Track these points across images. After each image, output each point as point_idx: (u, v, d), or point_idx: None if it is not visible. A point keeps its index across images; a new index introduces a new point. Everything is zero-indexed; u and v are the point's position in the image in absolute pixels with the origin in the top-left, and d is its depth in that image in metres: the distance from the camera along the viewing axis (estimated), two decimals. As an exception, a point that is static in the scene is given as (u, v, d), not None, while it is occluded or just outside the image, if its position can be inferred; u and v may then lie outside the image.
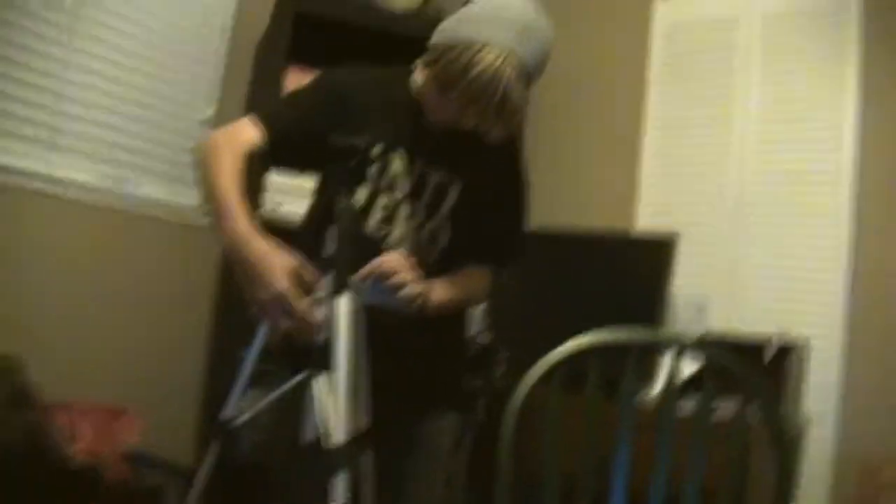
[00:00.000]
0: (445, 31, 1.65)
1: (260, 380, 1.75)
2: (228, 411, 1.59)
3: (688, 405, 1.94)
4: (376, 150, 1.77)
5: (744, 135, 3.10)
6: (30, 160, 2.90)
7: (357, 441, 1.52)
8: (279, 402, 1.58)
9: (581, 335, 1.77)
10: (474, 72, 1.56)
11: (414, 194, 1.79)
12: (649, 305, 2.61)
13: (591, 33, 3.62)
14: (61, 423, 2.51)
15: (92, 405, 2.73)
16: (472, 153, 1.75)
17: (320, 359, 1.44)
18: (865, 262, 2.80)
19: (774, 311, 2.88)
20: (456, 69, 1.58)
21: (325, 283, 1.50)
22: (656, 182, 3.31)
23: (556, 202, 3.48)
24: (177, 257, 3.34)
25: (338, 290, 1.46)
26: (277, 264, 1.50)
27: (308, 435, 1.54)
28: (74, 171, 3.02)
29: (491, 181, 1.83)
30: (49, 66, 2.95)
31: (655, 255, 2.69)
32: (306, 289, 1.49)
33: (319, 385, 1.44)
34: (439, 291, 1.75)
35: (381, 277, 1.62)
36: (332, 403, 1.42)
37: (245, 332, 1.76)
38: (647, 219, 3.29)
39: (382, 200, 1.78)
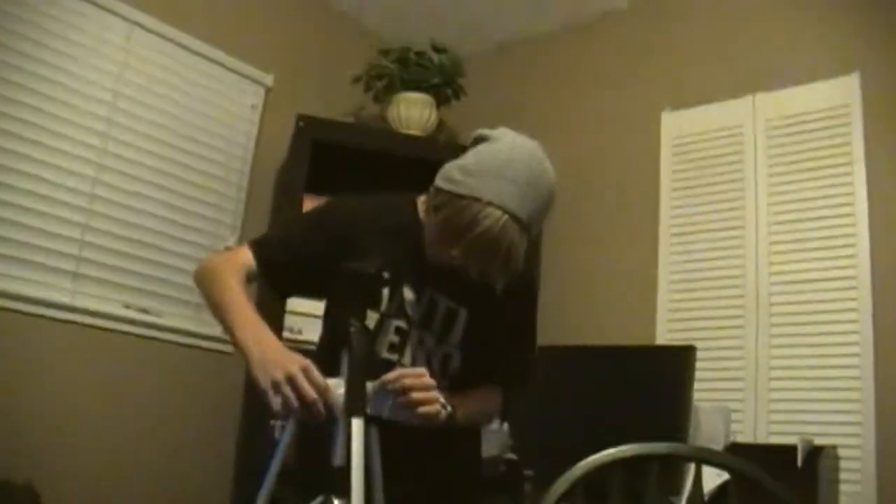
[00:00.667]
0: (451, 179, 1.65)
1: (279, 505, 1.73)
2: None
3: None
4: (385, 275, 1.78)
5: (758, 241, 3.11)
6: (54, 291, 2.97)
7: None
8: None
9: (604, 450, 1.75)
10: (478, 230, 1.57)
11: (424, 321, 1.80)
12: (671, 417, 2.58)
13: (601, 148, 3.70)
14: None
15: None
16: (479, 281, 1.75)
17: (335, 483, 1.43)
18: (890, 365, 2.75)
19: (800, 420, 2.83)
20: (460, 225, 1.60)
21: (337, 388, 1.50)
22: (674, 293, 3.30)
23: (573, 320, 3.50)
24: (202, 384, 3.36)
25: (352, 412, 1.46)
26: (295, 355, 1.52)
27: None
28: (99, 301, 3.09)
29: (498, 308, 1.81)
30: (76, 200, 3.06)
31: (674, 366, 2.67)
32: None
33: (336, 510, 1.43)
34: (460, 406, 1.73)
35: (399, 392, 1.59)
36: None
37: (270, 457, 1.75)
38: (667, 332, 3.27)
39: (392, 325, 1.79)
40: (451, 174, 1.66)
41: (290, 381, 1.48)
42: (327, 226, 1.84)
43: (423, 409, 1.61)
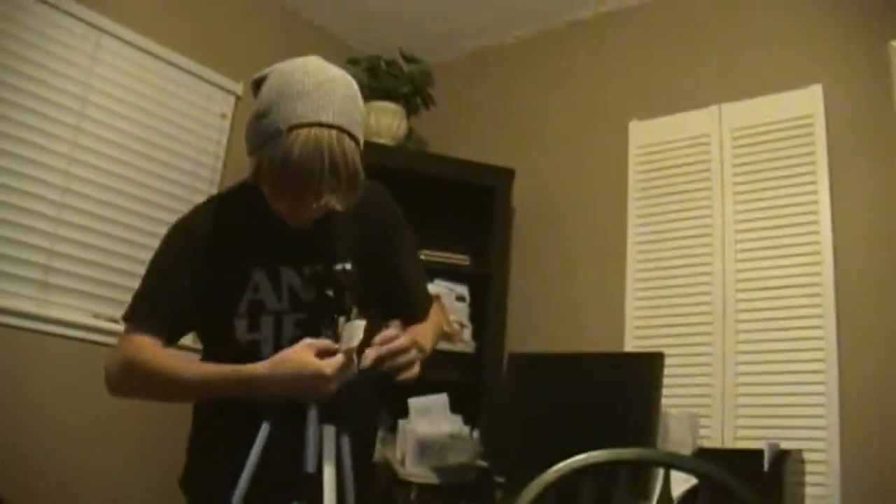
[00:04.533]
0: (251, 134, 1.58)
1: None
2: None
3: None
4: (258, 274, 1.70)
5: (724, 248, 3.15)
6: (20, 300, 2.93)
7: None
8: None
9: (574, 455, 1.77)
10: (295, 156, 1.48)
11: (319, 302, 1.71)
12: (641, 423, 2.60)
13: (570, 157, 3.73)
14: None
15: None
16: (346, 230, 1.73)
17: (307, 489, 1.44)
18: (853, 370, 2.80)
19: (766, 425, 2.87)
20: (280, 166, 1.50)
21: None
22: (641, 301, 3.34)
23: (543, 328, 3.54)
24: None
25: (324, 419, 1.47)
26: (298, 352, 1.51)
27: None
28: (67, 310, 3.06)
29: (378, 250, 1.77)
30: (44, 209, 3.03)
31: (643, 373, 2.70)
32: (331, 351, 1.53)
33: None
34: (423, 337, 1.74)
35: (393, 357, 1.60)
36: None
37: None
38: (634, 339, 3.30)
39: (293, 319, 1.71)
40: (249, 130, 1.59)
41: (322, 379, 1.49)
42: (184, 254, 1.72)
43: (406, 374, 1.63)
